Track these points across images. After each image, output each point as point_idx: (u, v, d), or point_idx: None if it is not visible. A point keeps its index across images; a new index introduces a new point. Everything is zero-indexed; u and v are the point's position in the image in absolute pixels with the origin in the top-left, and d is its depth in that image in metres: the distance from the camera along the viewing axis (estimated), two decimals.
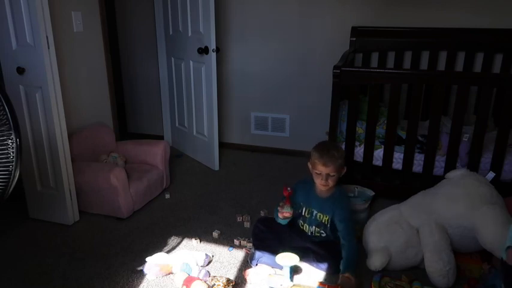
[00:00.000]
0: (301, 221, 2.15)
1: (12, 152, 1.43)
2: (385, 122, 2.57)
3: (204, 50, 2.96)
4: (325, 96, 2.98)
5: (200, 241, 2.28)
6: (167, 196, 2.82)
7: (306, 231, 2.14)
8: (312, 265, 2.04)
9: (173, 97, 3.60)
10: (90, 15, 2.79)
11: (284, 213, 2.05)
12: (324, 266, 2.01)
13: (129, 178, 2.54)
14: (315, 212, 2.10)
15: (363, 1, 3.07)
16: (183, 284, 1.87)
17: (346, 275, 1.87)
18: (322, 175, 2.01)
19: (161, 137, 3.85)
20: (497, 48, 2.83)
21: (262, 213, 2.55)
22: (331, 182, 2.02)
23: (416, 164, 2.55)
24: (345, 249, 1.96)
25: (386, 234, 2.00)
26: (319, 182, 2.04)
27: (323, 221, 2.08)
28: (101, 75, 2.98)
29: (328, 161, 1.98)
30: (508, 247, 1.44)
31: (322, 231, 2.09)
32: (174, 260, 2.01)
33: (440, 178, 2.22)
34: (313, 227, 2.11)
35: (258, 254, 2.05)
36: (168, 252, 2.18)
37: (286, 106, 3.50)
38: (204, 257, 2.06)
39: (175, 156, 3.50)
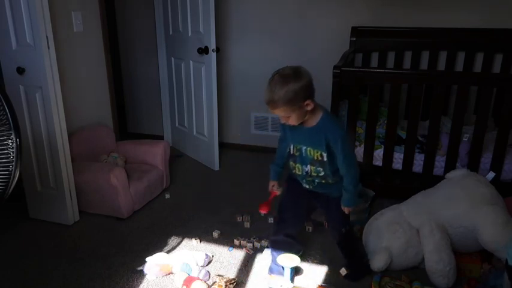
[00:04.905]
0: (292, 162, 1.85)
1: (12, 152, 1.43)
2: (385, 122, 2.57)
3: (204, 50, 2.96)
4: (325, 96, 2.97)
5: (200, 241, 2.28)
6: (167, 196, 2.81)
7: (300, 173, 1.83)
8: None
9: (173, 97, 3.60)
10: (90, 15, 2.79)
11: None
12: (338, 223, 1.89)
13: (129, 178, 2.54)
14: (303, 148, 1.77)
15: (363, 1, 3.07)
16: (183, 284, 1.87)
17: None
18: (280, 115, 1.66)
19: (161, 137, 3.84)
20: (497, 48, 2.83)
21: (262, 214, 2.54)
22: (292, 121, 1.67)
23: (416, 164, 2.55)
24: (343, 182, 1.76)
25: (387, 234, 2.00)
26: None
27: (315, 158, 1.74)
28: (101, 75, 2.98)
29: (269, 102, 1.61)
30: None
31: (319, 169, 1.76)
32: (174, 260, 2.01)
33: (440, 178, 2.22)
34: (308, 166, 1.79)
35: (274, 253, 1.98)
36: (168, 252, 2.18)
37: None
38: (204, 257, 2.06)
39: (176, 156, 3.50)
